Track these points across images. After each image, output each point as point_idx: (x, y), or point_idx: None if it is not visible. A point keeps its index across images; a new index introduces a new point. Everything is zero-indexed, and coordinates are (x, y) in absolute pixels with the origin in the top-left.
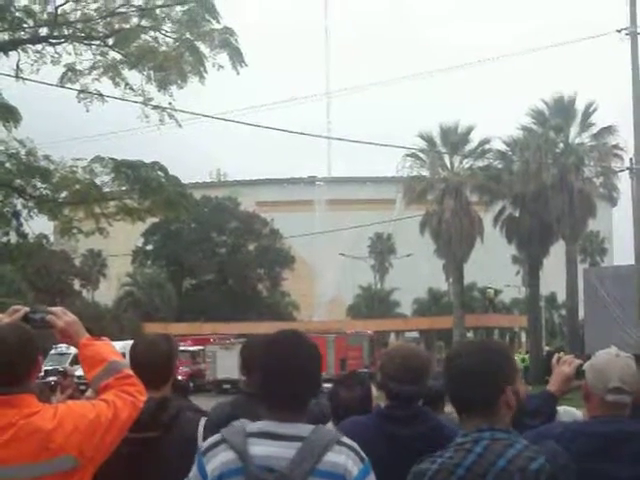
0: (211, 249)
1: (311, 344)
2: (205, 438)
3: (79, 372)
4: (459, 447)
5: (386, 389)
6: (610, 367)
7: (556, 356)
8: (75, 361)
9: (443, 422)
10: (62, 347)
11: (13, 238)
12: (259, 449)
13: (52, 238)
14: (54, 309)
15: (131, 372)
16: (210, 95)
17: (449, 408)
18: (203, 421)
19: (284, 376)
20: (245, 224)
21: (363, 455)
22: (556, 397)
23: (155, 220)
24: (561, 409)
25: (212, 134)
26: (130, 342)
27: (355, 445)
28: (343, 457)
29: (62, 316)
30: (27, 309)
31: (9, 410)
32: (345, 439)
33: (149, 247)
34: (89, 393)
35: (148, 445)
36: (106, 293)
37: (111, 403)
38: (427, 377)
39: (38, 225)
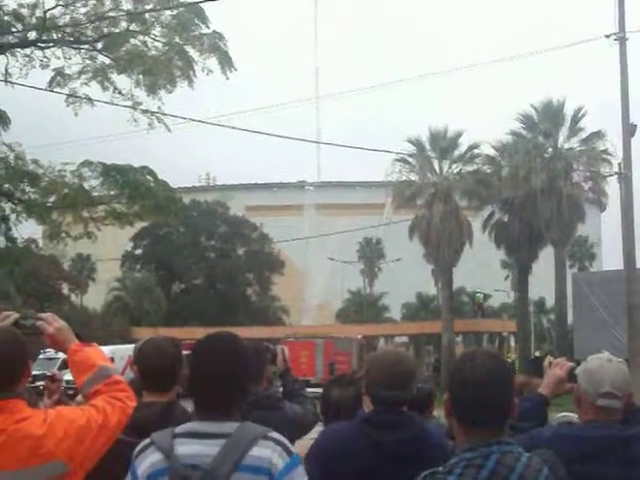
0: (200, 253)
1: (236, 346)
2: None
3: (67, 377)
4: (469, 463)
5: (371, 394)
6: (602, 372)
7: (548, 358)
8: (63, 366)
9: (430, 428)
10: (50, 352)
11: (1, 242)
12: (184, 448)
13: (41, 242)
14: (44, 315)
15: (121, 378)
16: (199, 99)
17: (436, 412)
18: None
19: (207, 377)
20: (234, 228)
21: (291, 449)
22: (548, 400)
23: (144, 224)
24: (560, 415)
25: (201, 138)
26: (119, 347)
27: (283, 439)
28: (268, 451)
29: (52, 322)
30: (17, 315)
31: None
32: (273, 434)
33: (138, 251)
34: (79, 398)
35: None
36: (95, 297)
37: (101, 409)
38: (413, 382)
39: (27, 229)
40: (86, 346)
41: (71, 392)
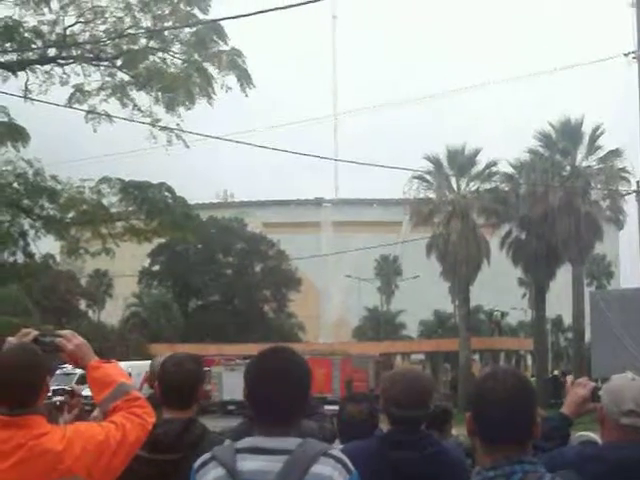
0: (217, 270)
1: (298, 360)
2: None
3: (85, 392)
4: None
5: (389, 413)
6: (625, 390)
7: (570, 378)
8: (81, 381)
9: (446, 446)
10: (68, 367)
11: (20, 258)
12: (247, 464)
13: (58, 258)
14: (63, 332)
15: (140, 394)
16: (217, 116)
17: (455, 431)
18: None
19: (269, 392)
20: (251, 245)
21: (351, 467)
22: (571, 419)
23: (161, 241)
24: (579, 435)
25: (219, 155)
26: (135, 363)
27: (343, 456)
28: (329, 469)
29: (71, 339)
30: (37, 332)
31: (19, 431)
32: (333, 451)
33: (155, 268)
34: (96, 413)
35: (170, 467)
36: (112, 313)
37: (120, 425)
38: (430, 401)
39: (44, 245)
40: (105, 363)
41: (88, 408)
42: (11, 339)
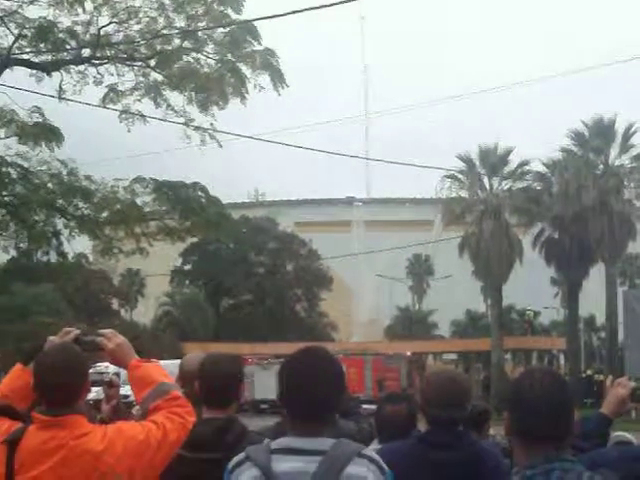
0: (249, 269)
1: (331, 360)
2: None
3: (124, 391)
4: None
5: (427, 414)
6: None
7: (610, 378)
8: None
9: (485, 446)
10: (100, 366)
11: (53, 257)
12: (282, 465)
13: (91, 257)
14: (104, 331)
15: (180, 393)
16: (248, 114)
17: (493, 430)
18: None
19: (303, 391)
20: (283, 244)
21: (385, 467)
22: (611, 419)
23: (193, 240)
24: (614, 435)
25: (250, 154)
26: (166, 362)
27: (377, 457)
28: (364, 469)
29: (112, 338)
30: (78, 331)
31: (60, 431)
32: (367, 451)
33: (187, 267)
34: (135, 411)
35: (210, 466)
36: (144, 312)
37: (160, 424)
38: (468, 402)
39: (77, 245)
40: (146, 362)
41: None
42: (53, 338)
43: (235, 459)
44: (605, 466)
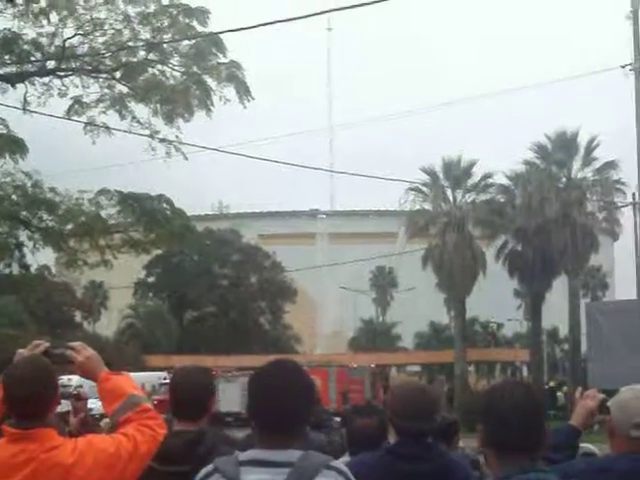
0: (213, 281)
1: (301, 372)
2: None
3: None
4: None
5: (395, 425)
6: (634, 403)
7: (579, 390)
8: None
9: (454, 458)
10: (63, 379)
11: (15, 269)
12: (250, 477)
13: (54, 269)
14: (74, 344)
15: (150, 406)
16: (214, 127)
17: (462, 443)
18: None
19: (272, 404)
20: (247, 256)
21: (352, 479)
22: (579, 431)
23: (157, 252)
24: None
25: (215, 166)
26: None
27: (345, 469)
28: None
29: (82, 351)
30: (47, 344)
31: (30, 444)
32: (335, 463)
33: (151, 279)
34: (103, 424)
35: (179, 479)
36: (107, 325)
37: (131, 437)
38: (436, 413)
39: (40, 257)
40: (116, 374)
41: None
42: (22, 351)
43: (203, 471)
44: (575, 477)
